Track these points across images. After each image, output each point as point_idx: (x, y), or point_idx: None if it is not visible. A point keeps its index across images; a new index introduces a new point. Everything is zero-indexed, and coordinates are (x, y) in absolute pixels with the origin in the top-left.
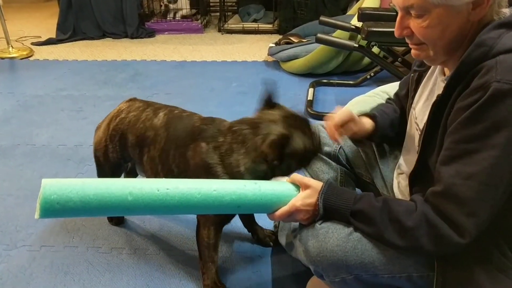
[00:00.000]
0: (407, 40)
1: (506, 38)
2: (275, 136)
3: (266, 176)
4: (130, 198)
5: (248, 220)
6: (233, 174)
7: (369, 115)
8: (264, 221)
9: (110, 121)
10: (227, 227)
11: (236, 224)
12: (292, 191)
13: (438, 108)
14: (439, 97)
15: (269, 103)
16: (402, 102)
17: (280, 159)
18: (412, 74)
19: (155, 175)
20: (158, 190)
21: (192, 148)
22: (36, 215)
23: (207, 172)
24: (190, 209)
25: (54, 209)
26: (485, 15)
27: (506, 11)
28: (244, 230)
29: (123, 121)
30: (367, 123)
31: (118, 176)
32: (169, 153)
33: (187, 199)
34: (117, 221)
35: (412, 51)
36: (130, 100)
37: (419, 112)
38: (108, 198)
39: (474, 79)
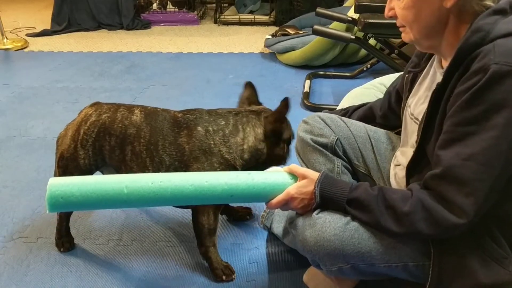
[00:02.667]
0: (396, 22)
1: (502, 23)
2: (279, 109)
3: (260, 157)
4: (126, 191)
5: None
6: (236, 152)
7: None
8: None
9: (79, 126)
10: (222, 221)
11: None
12: (287, 180)
13: (438, 96)
14: (439, 85)
15: (255, 102)
16: (393, 98)
17: (279, 133)
18: (406, 75)
19: (143, 170)
20: (152, 183)
21: (185, 134)
22: (47, 210)
23: (208, 153)
24: (183, 200)
25: (59, 203)
26: (462, 5)
27: (489, 3)
28: (240, 223)
29: (96, 124)
30: None
31: None
32: (158, 144)
33: (180, 191)
34: (69, 245)
35: (402, 35)
36: (94, 104)
37: (415, 106)
38: (106, 192)
39: (473, 64)
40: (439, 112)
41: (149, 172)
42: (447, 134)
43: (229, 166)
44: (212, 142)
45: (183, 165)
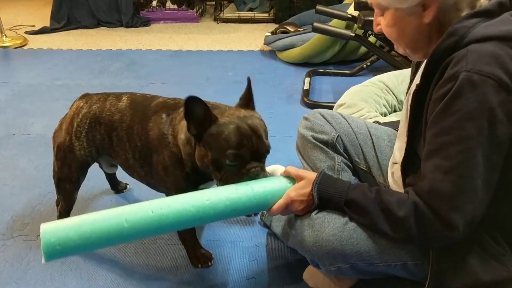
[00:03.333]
0: None
1: (480, 27)
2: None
3: (192, 157)
4: (126, 225)
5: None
6: (177, 142)
7: None
8: None
9: (72, 119)
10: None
11: None
12: (285, 184)
13: (418, 98)
14: (418, 87)
15: (245, 104)
16: None
17: (191, 126)
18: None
19: (125, 154)
20: (152, 212)
21: (153, 119)
22: (42, 260)
23: (161, 143)
24: (187, 224)
25: (57, 251)
26: (441, 19)
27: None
28: (240, 220)
29: (87, 115)
30: None
31: (84, 175)
32: (134, 128)
33: (182, 215)
34: None
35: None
36: (84, 96)
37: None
38: (105, 230)
39: (447, 70)
40: (423, 115)
41: (129, 155)
42: (428, 145)
43: (178, 160)
44: (165, 132)
45: (149, 153)
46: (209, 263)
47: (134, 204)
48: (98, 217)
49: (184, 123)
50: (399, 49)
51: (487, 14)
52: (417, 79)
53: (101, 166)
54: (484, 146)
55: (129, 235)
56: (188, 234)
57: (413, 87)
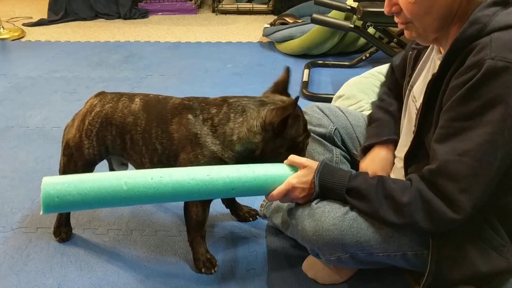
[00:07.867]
0: (396, 19)
1: (501, 15)
2: (284, 105)
3: (255, 151)
4: (125, 187)
5: (227, 198)
6: (224, 143)
7: (389, 141)
8: (246, 200)
9: (84, 116)
10: (223, 209)
11: None
12: (287, 171)
13: (434, 87)
14: (435, 76)
15: (281, 89)
16: (397, 74)
17: (279, 131)
18: (410, 52)
19: (140, 158)
20: (152, 179)
21: (176, 121)
22: (41, 211)
23: (194, 142)
24: (184, 196)
25: (55, 203)
26: None
27: None
28: None
29: (99, 114)
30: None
31: (91, 172)
32: (151, 132)
33: (181, 186)
34: (65, 235)
35: (404, 32)
36: (99, 94)
37: (417, 91)
38: (104, 189)
39: (469, 57)
40: (437, 104)
41: (145, 159)
42: (443, 128)
43: (215, 159)
44: (198, 132)
45: (172, 154)
46: (213, 270)
47: (137, 170)
48: (99, 177)
49: (242, 120)
50: (412, 31)
51: (504, 3)
52: (434, 69)
53: (111, 164)
54: (505, 132)
55: (126, 198)
56: (198, 237)
57: (418, 80)
